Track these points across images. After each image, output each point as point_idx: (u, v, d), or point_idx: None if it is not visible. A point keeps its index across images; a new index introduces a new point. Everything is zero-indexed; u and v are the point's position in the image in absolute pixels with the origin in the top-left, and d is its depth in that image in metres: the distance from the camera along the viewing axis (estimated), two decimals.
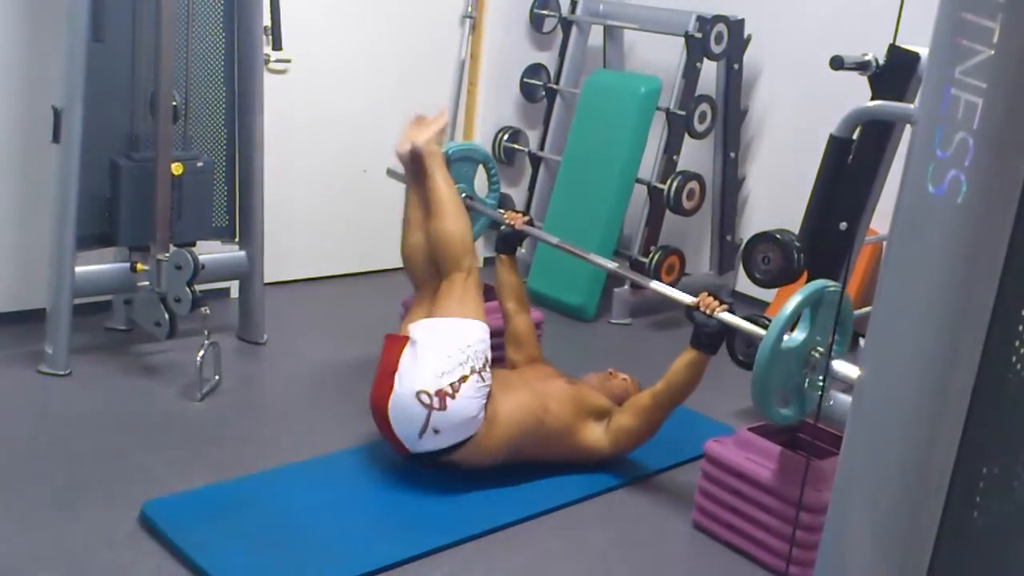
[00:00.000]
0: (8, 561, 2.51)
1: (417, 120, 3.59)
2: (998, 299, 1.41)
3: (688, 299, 3.08)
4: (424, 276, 3.37)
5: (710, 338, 3.00)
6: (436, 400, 2.89)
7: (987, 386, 1.45)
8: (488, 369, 3.03)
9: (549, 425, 3.10)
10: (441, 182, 3.41)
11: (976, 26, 1.34)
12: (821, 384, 2.66)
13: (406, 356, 3.02)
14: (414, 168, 3.49)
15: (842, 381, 2.57)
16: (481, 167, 3.97)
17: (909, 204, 1.46)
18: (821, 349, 2.64)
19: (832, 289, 2.66)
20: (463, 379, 2.93)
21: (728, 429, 3.43)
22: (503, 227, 3.68)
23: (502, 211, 3.77)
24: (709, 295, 3.05)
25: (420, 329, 3.10)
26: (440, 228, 3.32)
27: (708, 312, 3.00)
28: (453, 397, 2.90)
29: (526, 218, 3.70)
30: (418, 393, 2.90)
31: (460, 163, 3.85)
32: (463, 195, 3.79)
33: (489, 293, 3.72)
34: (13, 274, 3.94)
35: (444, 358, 2.96)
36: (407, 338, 3.09)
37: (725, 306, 3.02)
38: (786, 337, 2.60)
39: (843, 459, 1.61)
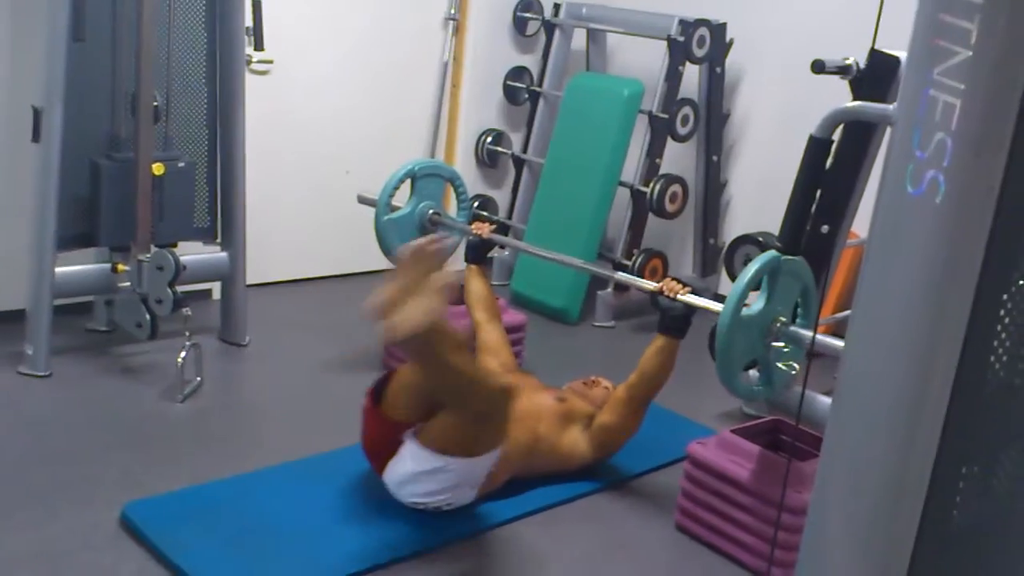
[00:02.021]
0: None
1: (412, 258, 2.53)
2: (976, 299, 1.42)
3: (651, 285, 3.10)
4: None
5: (676, 321, 3.02)
6: (432, 507, 2.84)
7: (966, 386, 1.45)
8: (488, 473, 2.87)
9: (539, 450, 3.06)
10: (459, 366, 2.57)
11: (954, 27, 1.35)
12: (785, 351, 2.72)
13: (400, 459, 2.79)
14: (414, 353, 2.64)
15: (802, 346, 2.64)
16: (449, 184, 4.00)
17: (888, 204, 1.46)
18: (783, 319, 2.69)
19: (789, 259, 2.71)
20: (460, 494, 2.85)
21: (709, 431, 3.43)
22: (470, 237, 3.69)
23: (484, 214, 3.78)
24: (672, 279, 3.08)
25: (423, 456, 2.73)
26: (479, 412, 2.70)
27: (671, 296, 3.01)
28: (448, 505, 2.84)
29: (492, 227, 3.72)
30: (413, 503, 2.83)
31: (427, 180, 3.90)
32: (430, 211, 3.81)
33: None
34: None
35: (440, 489, 2.79)
36: (403, 429, 2.78)
37: (688, 288, 3.04)
38: (745, 307, 2.64)
39: (823, 459, 1.62)
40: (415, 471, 2.76)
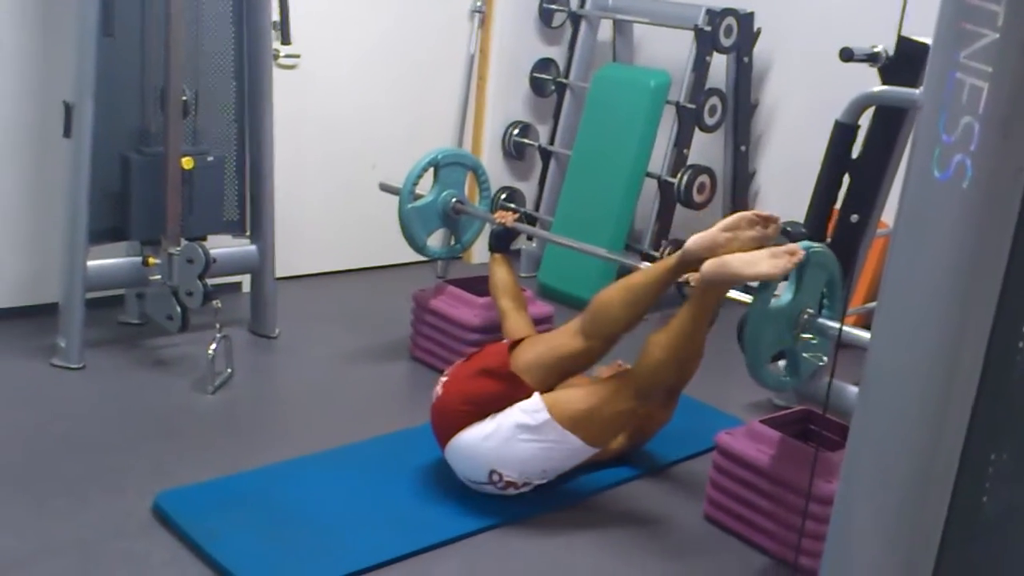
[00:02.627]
0: (23, 551, 2.53)
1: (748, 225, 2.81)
2: (1005, 284, 1.40)
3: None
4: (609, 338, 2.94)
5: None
6: (502, 485, 2.85)
7: (994, 371, 1.44)
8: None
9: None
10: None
11: (980, 9, 1.34)
12: (813, 343, 2.71)
13: (510, 427, 2.79)
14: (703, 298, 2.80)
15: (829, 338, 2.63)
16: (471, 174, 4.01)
17: (914, 189, 1.45)
18: (811, 310, 2.69)
19: (816, 250, 2.70)
20: (538, 483, 2.88)
21: (739, 421, 3.42)
22: (494, 225, 3.69)
23: (511, 205, 3.79)
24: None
25: (549, 427, 2.77)
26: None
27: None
28: (518, 488, 2.87)
29: (516, 215, 3.73)
30: (492, 471, 2.83)
31: (451, 168, 3.91)
32: (453, 199, 3.85)
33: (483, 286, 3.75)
34: (26, 269, 3.97)
35: (536, 468, 2.83)
36: (522, 382, 2.82)
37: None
38: (774, 299, 2.62)
39: (850, 447, 1.61)
40: (524, 442, 2.77)
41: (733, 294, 2.97)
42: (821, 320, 2.73)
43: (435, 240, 4.10)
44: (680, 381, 3.09)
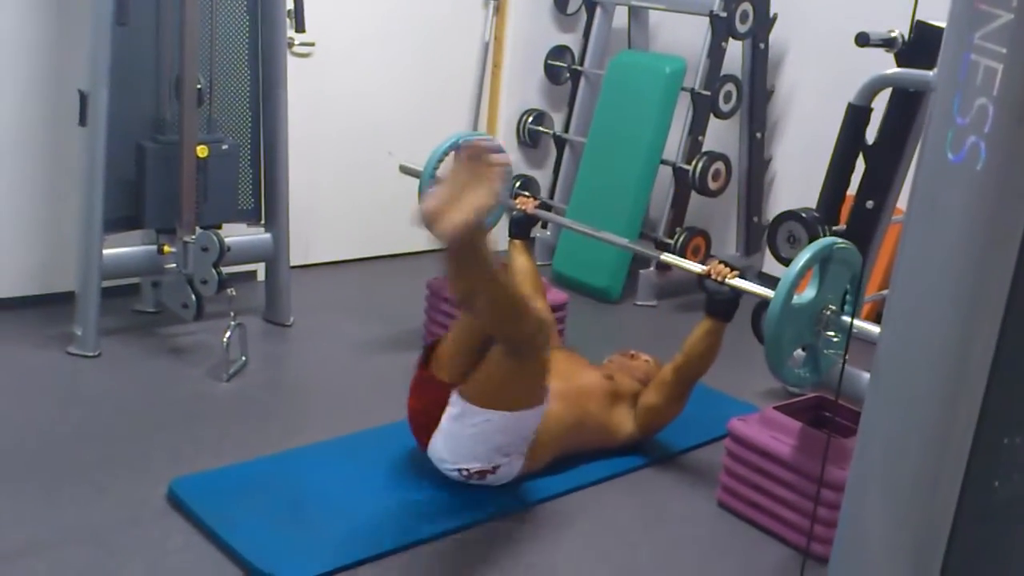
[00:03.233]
0: (39, 536, 2.55)
1: (469, 155, 2.32)
2: (1018, 267, 1.39)
3: (699, 268, 3.08)
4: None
5: (723, 304, 3.00)
6: (476, 476, 2.85)
7: (1008, 356, 1.43)
8: (532, 438, 2.88)
9: (588, 427, 3.07)
10: (500, 276, 2.51)
11: None
12: (835, 340, 2.68)
13: (449, 423, 2.79)
14: (457, 256, 2.41)
15: (856, 337, 2.58)
16: None
17: (928, 172, 1.44)
18: (833, 307, 2.65)
19: (841, 246, 2.67)
20: (507, 457, 2.85)
21: (752, 408, 3.41)
22: (515, 212, 3.68)
23: (524, 193, 3.77)
24: (720, 262, 3.05)
25: (469, 411, 2.75)
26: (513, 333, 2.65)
27: (719, 279, 2.99)
28: (494, 472, 2.85)
29: (536, 202, 3.70)
30: (459, 468, 2.85)
31: None
32: None
33: None
34: (42, 257, 3.99)
35: (492, 450, 2.81)
36: (449, 390, 2.78)
37: (736, 272, 3.01)
38: (796, 295, 2.61)
39: (862, 432, 1.60)
40: (460, 433, 2.77)
41: (751, 287, 2.95)
42: (844, 318, 2.69)
43: None
44: (695, 375, 3.09)
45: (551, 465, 3.04)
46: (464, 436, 2.78)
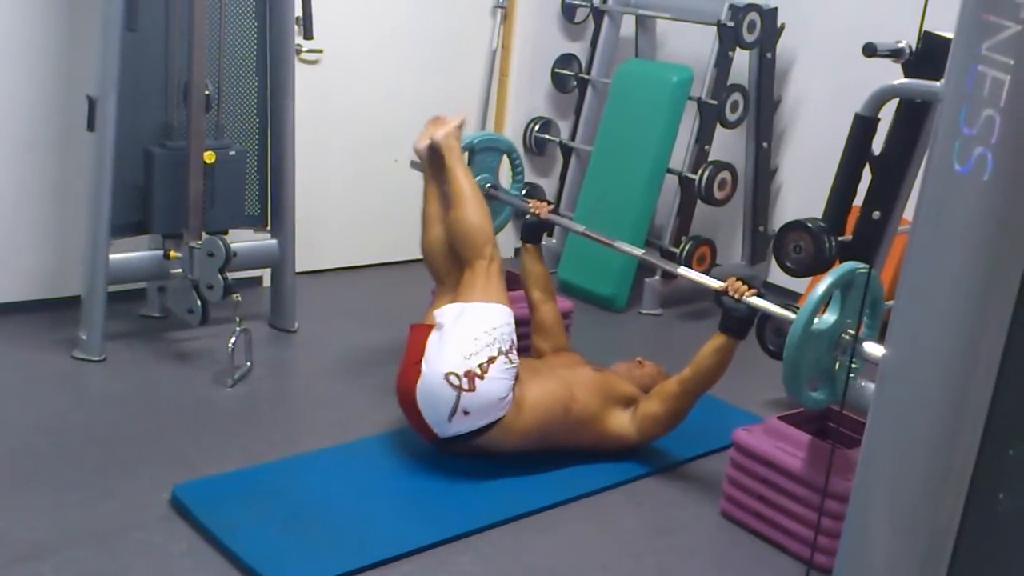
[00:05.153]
0: (43, 540, 2.55)
1: (435, 119, 3.61)
2: None
3: (716, 284, 3.07)
4: (445, 269, 3.37)
5: (739, 323, 2.99)
6: (465, 381, 2.91)
7: (1013, 366, 1.43)
8: (515, 351, 3.05)
9: (576, 412, 3.10)
10: (460, 174, 3.40)
11: (1003, 2, 1.33)
12: (852, 366, 2.64)
13: (432, 341, 3.03)
14: (433, 163, 3.51)
15: (874, 364, 2.54)
16: (505, 157, 3.97)
17: (935, 182, 1.45)
18: (852, 332, 2.63)
19: (862, 271, 2.65)
20: (491, 360, 2.95)
21: (757, 418, 3.41)
22: (528, 216, 3.68)
23: (529, 200, 3.77)
24: (737, 279, 3.04)
25: (445, 314, 3.12)
26: (461, 217, 3.29)
27: (737, 296, 2.99)
28: (482, 378, 2.92)
29: (551, 207, 3.70)
30: (447, 375, 2.91)
31: (485, 153, 3.87)
32: (487, 185, 3.82)
33: (514, 282, 3.73)
34: (49, 262, 4.00)
35: (471, 340, 2.98)
36: (432, 325, 3.11)
37: (754, 290, 3.01)
38: (816, 320, 2.59)
39: (867, 441, 1.60)
40: (441, 341, 2.99)
41: (769, 306, 2.93)
42: (864, 344, 2.63)
43: None
44: (702, 388, 3.10)
45: (546, 463, 3.06)
46: (445, 341, 2.99)
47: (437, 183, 3.50)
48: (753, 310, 2.98)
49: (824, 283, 2.61)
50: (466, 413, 2.92)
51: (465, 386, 2.90)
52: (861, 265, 2.69)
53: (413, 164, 3.96)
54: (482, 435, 2.96)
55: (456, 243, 3.31)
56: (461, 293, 3.20)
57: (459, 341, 2.99)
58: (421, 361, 2.99)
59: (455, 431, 2.96)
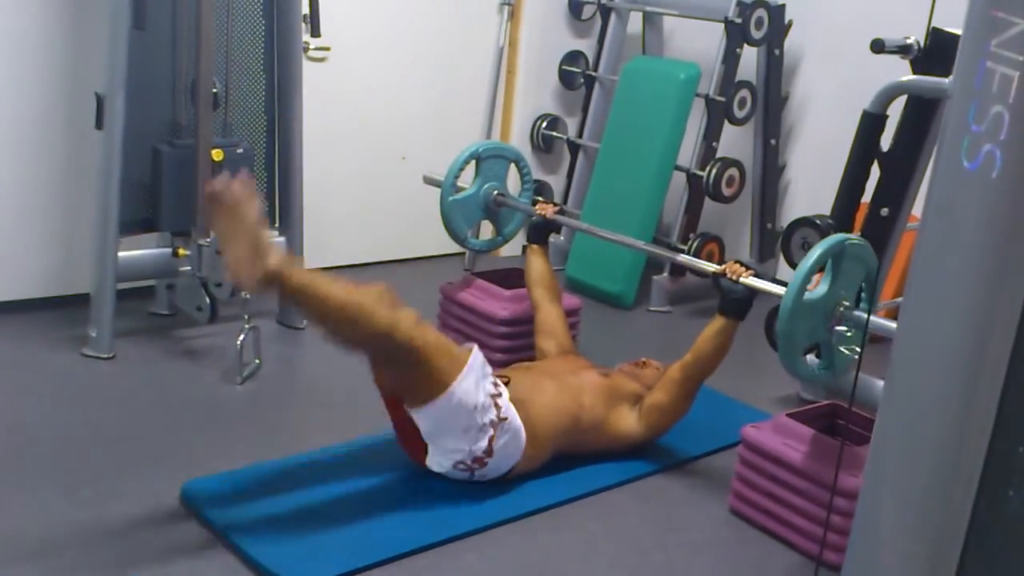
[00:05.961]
0: (52, 537, 2.56)
1: (220, 223, 2.51)
2: None
3: (713, 267, 3.08)
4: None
5: (737, 304, 3.00)
6: (475, 464, 2.86)
7: (1022, 363, 1.43)
8: (500, 390, 2.90)
9: (585, 420, 3.08)
10: (321, 286, 2.53)
11: None
12: (848, 336, 2.67)
13: (424, 434, 2.84)
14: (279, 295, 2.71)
15: (872, 331, 2.58)
16: (513, 166, 3.98)
17: (943, 179, 1.44)
18: (847, 303, 2.65)
19: (853, 242, 2.67)
20: (491, 439, 2.83)
21: (766, 415, 3.40)
22: (534, 217, 3.68)
23: (539, 199, 3.78)
24: (735, 262, 3.05)
25: (422, 420, 2.80)
26: (359, 332, 2.63)
27: (734, 278, 2.99)
28: (491, 456, 2.86)
29: (556, 207, 3.70)
30: (455, 464, 2.86)
31: (491, 161, 3.88)
32: (495, 192, 3.81)
33: (519, 279, 3.74)
34: (58, 259, 4.01)
35: (462, 435, 2.81)
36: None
37: (751, 271, 3.01)
38: (808, 291, 2.60)
39: (875, 439, 1.60)
40: (433, 433, 2.81)
41: (766, 286, 2.95)
42: (857, 312, 2.70)
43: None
44: (703, 373, 3.09)
45: (554, 463, 3.05)
46: (437, 435, 2.81)
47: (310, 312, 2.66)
48: (751, 291, 2.99)
49: (814, 253, 2.63)
50: (485, 474, 2.91)
51: (476, 467, 2.87)
52: (852, 236, 2.71)
53: (427, 179, 3.96)
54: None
55: (386, 360, 2.76)
56: (410, 385, 2.78)
57: (452, 442, 2.82)
58: (422, 436, 2.84)
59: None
